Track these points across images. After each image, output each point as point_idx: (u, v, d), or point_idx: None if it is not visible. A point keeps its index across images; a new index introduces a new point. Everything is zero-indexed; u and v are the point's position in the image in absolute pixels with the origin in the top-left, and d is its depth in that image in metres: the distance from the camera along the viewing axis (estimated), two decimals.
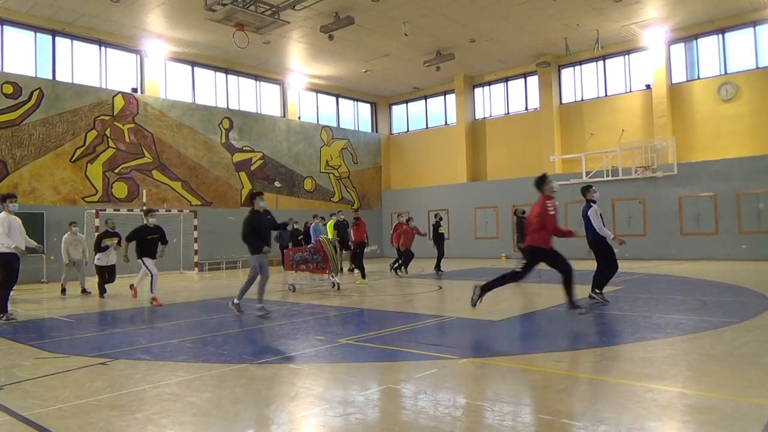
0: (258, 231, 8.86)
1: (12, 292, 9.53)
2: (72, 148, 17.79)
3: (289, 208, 23.51)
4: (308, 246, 13.33)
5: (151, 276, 10.54)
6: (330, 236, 16.71)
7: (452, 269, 17.42)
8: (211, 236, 20.40)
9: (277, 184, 23.45)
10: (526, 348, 6.16)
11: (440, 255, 16.29)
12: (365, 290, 12.26)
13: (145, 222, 10.79)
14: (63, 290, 12.78)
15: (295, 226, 18.13)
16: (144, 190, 18.99)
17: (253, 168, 22.70)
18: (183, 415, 3.98)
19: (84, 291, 12.77)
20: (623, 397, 4.11)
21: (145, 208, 12.32)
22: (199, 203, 20.75)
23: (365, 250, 14.86)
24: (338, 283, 12.31)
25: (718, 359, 5.17)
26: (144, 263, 10.56)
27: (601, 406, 3.92)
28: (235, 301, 8.97)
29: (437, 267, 16.18)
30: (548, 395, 4.28)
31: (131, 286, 11.42)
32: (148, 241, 10.62)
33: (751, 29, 19.13)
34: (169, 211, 19.20)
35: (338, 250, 16.16)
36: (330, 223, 17.00)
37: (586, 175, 21.24)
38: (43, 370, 5.43)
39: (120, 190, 18.80)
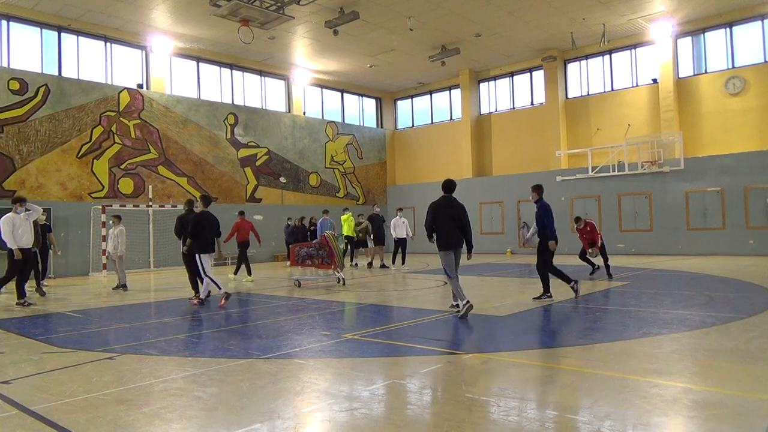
0: (203, 230, 9.52)
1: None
2: (78, 144, 17.85)
3: (294, 203, 23.54)
4: (314, 241, 13.34)
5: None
6: (346, 231, 16.90)
7: None
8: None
9: (282, 179, 23.47)
10: (531, 343, 6.16)
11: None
12: (370, 285, 12.28)
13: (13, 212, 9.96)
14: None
15: (303, 223, 18.20)
16: (150, 186, 19.05)
17: (258, 163, 22.72)
18: (189, 409, 4.01)
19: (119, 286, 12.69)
20: (629, 392, 4.10)
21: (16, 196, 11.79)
22: None
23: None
24: (343, 278, 12.33)
25: (725, 355, 5.16)
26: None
27: (607, 402, 3.92)
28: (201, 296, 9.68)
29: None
30: (553, 390, 4.28)
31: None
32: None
33: (759, 22, 18.96)
34: (175, 206, 19.23)
35: (367, 243, 16.63)
36: (344, 217, 17.11)
37: (592, 170, 21.17)
38: (51, 365, 5.48)
39: (126, 185, 18.87)
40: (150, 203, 18.69)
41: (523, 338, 6.47)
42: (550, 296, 8.94)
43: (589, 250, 12.41)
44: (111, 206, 17.56)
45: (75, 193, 17.69)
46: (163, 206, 19.00)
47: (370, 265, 17.10)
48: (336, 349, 5.90)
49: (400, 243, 16.58)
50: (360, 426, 3.61)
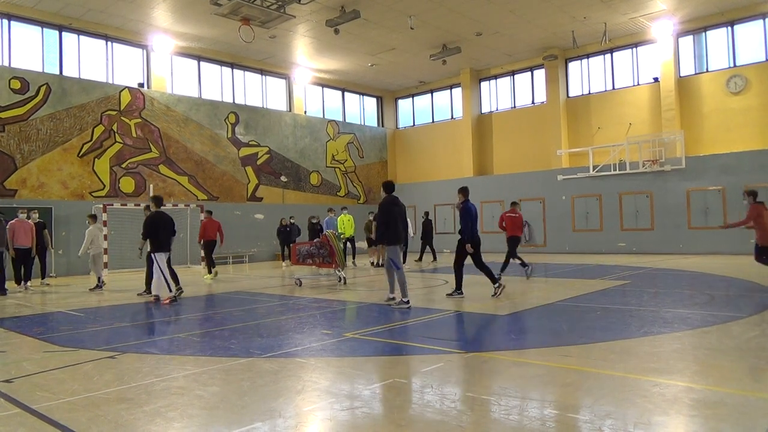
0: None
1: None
2: (79, 143, 17.86)
3: (295, 202, 23.55)
4: (315, 240, 13.35)
5: None
6: (344, 231, 16.91)
7: None
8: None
9: (283, 178, 23.48)
10: (532, 342, 6.15)
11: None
12: (371, 284, 12.28)
13: None
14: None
15: (313, 221, 18.22)
16: (151, 185, 19.05)
17: (259, 162, 22.73)
18: (191, 408, 4.01)
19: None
20: (630, 391, 4.10)
21: None
22: (206, 198, 20.81)
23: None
24: (344, 277, 12.34)
25: (726, 354, 5.15)
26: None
27: (608, 401, 3.91)
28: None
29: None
30: (554, 389, 4.28)
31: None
32: None
33: (760, 21, 18.93)
34: (176, 205, 19.25)
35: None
36: (342, 217, 17.10)
37: (594, 169, 21.16)
38: (52, 364, 5.48)
39: (127, 184, 18.88)
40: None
41: (524, 337, 6.47)
42: (461, 293, 9.37)
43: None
44: (112, 205, 17.58)
45: (76, 192, 17.71)
46: (164, 205, 18.96)
47: (373, 264, 17.15)
48: (337, 348, 5.90)
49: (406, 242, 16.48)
50: (361, 425, 3.61)
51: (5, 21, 17.01)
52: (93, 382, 4.72)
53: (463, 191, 9.56)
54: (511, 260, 12.68)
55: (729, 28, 19.48)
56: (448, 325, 7.19)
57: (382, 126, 28.54)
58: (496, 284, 9.31)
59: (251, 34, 17.08)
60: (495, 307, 8.34)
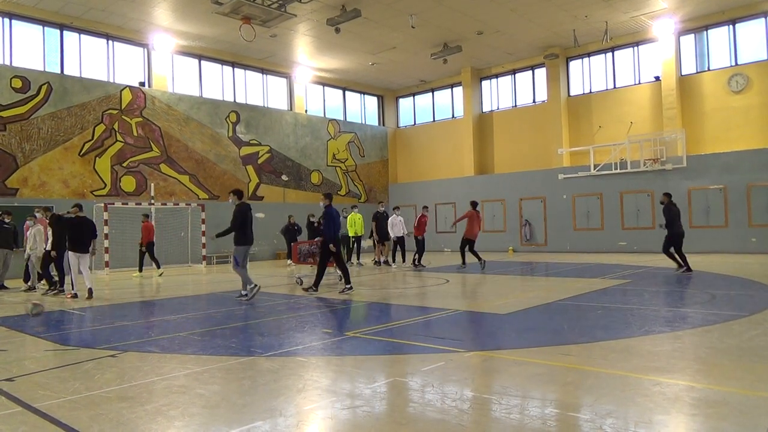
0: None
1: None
2: (80, 142, 17.88)
3: (296, 201, 23.55)
4: (316, 239, 13.35)
5: None
6: (352, 231, 16.95)
7: (458, 262, 17.42)
8: (219, 230, 20.42)
9: (284, 177, 23.48)
10: (533, 341, 6.15)
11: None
12: (372, 283, 12.28)
13: None
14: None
15: (311, 219, 18.21)
16: (152, 184, 19.06)
17: (260, 161, 22.73)
18: (192, 406, 4.01)
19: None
20: (631, 390, 4.10)
21: None
22: (207, 197, 20.83)
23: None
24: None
25: (727, 353, 5.15)
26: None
27: (609, 400, 3.91)
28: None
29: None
30: (555, 388, 4.28)
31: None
32: None
33: (762, 19, 18.90)
34: (177, 204, 19.27)
35: (376, 243, 16.85)
36: (352, 216, 17.12)
37: (595, 168, 21.14)
38: (53, 362, 5.49)
39: (128, 183, 18.89)
40: (152, 201, 18.69)
41: (525, 336, 6.46)
42: (316, 289, 10.47)
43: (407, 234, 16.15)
44: (113, 204, 17.61)
45: (77, 191, 17.72)
46: (165, 204, 19.02)
47: (377, 263, 17.17)
48: (338, 346, 5.90)
49: (399, 241, 16.63)
50: (362, 424, 3.61)
51: (6, 20, 17.02)
52: (94, 381, 4.72)
53: (327, 197, 10.61)
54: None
55: (730, 26, 19.45)
56: (449, 324, 7.19)
57: (383, 125, 28.53)
58: (348, 285, 10.47)
59: (252, 32, 17.08)
60: (495, 306, 8.34)
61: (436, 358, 5.21)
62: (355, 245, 17.64)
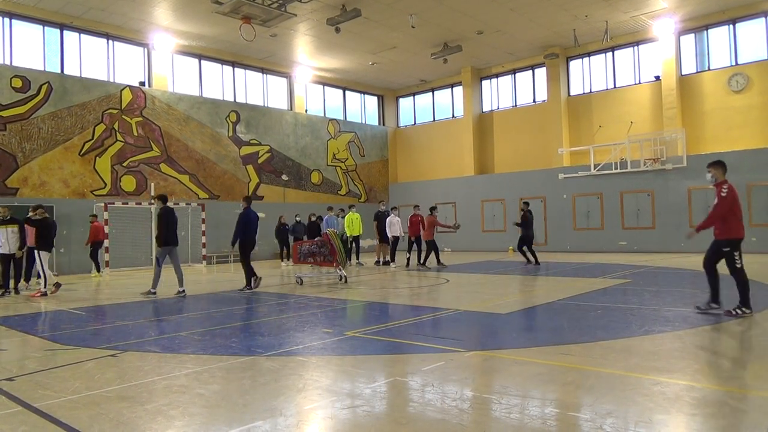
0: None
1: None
2: (80, 142, 17.88)
3: (296, 201, 23.55)
4: (316, 239, 13.36)
5: None
6: (352, 230, 16.93)
7: (458, 262, 17.42)
8: (219, 229, 20.45)
9: (284, 177, 23.48)
10: (533, 341, 6.15)
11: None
12: (372, 283, 12.28)
13: None
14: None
15: (312, 219, 18.22)
16: (152, 184, 19.06)
17: (260, 161, 22.73)
18: (192, 406, 4.02)
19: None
20: (631, 390, 4.10)
21: None
22: (207, 196, 20.83)
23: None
24: (345, 276, 12.34)
25: (727, 352, 5.15)
26: None
27: (609, 399, 3.91)
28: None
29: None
30: (555, 388, 4.28)
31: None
32: None
33: (762, 19, 18.89)
34: (177, 204, 19.26)
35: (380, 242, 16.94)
36: (350, 216, 17.10)
37: (595, 168, 21.14)
38: (54, 362, 5.49)
39: (128, 183, 18.89)
40: (152, 201, 18.68)
41: (525, 336, 6.47)
42: (250, 288, 11.06)
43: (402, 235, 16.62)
44: (113, 204, 17.61)
45: (77, 191, 17.72)
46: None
47: (377, 263, 17.17)
48: (338, 346, 5.90)
49: (396, 241, 16.56)
50: (362, 423, 3.61)
51: (6, 20, 17.02)
52: (94, 381, 4.73)
53: (246, 200, 11.53)
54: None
55: (731, 26, 19.44)
56: (449, 324, 7.19)
57: (383, 124, 28.52)
58: (247, 286, 11.10)
59: (252, 32, 17.07)
60: (495, 305, 8.34)
61: (436, 358, 5.21)
62: (354, 245, 17.61)
